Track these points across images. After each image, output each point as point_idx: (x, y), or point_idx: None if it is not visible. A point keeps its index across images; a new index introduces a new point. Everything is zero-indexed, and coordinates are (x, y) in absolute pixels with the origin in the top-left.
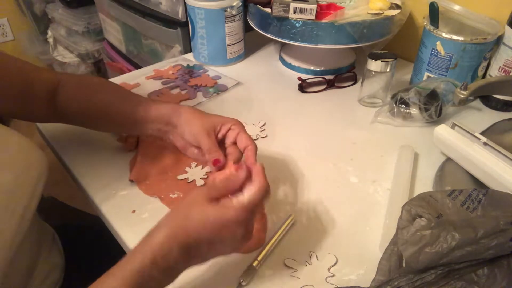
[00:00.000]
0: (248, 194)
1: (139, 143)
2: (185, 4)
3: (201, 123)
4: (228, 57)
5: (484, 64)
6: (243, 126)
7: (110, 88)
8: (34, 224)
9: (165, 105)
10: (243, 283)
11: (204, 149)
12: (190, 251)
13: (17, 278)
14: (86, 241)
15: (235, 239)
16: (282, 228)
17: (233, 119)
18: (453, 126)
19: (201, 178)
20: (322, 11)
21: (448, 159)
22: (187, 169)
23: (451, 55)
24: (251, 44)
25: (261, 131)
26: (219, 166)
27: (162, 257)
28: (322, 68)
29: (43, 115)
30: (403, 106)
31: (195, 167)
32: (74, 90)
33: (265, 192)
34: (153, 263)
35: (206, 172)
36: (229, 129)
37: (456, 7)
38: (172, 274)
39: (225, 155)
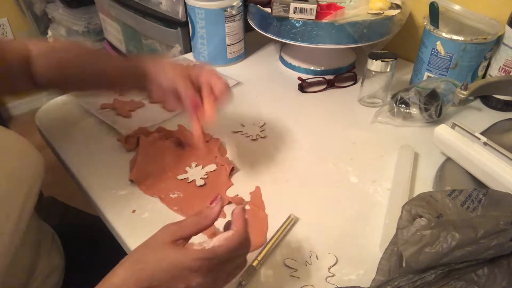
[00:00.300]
0: (215, 241)
1: (139, 143)
2: (185, 4)
3: (176, 68)
4: (228, 57)
5: (484, 64)
6: (215, 71)
7: (81, 50)
8: (33, 224)
9: (139, 57)
10: (243, 283)
11: (181, 92)
12: None
13: (17, 279)
14: (86, 241)
15: None
16: (282, 228)
17: (204, 65)
18: (453, 126)
19: (201, 178)
20: (322, 11)
21: (448, 159)
22: (187, 169)
23: (451, 55)
24: (251, 44)
25: (261, 131)
26: (197, 105)
27: None
28: (322, 68)
29: (25, 88)
30: (403, 106)
31: (195, 167)
32: (45, 59)
33: (239, 242)
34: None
35: (206, 172)
36: (202, 74)
37: (456, 7)
38: None
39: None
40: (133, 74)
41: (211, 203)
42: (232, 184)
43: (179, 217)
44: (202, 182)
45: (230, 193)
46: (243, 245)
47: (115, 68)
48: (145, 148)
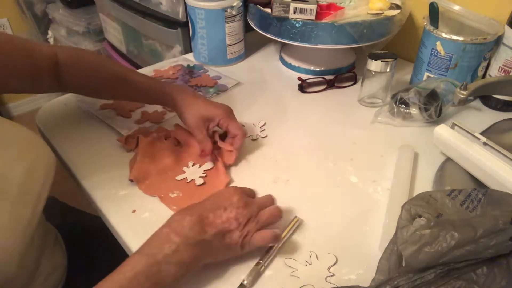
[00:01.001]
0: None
1: (138, 143)
2: (185, 4)
3: (192, 118)
4: (228, 57)
5: (484, 64)
6: (231, 115)
7: (109, 62)
8: (39, 222)
9: (166, 85)
10: (245, 283)
11: (197, 140)
12: (200, 220)
13: (22, 275)
14: (87, 241)
15: (233, 205)
16: (287, 229)
17: (221, 110)
18: (453, 126)
19: (199, 177)
20: (322, 11)
21: (448, 159)
22: (184, 168)
23: (451, 55)
24: (251, 44)
25: (261, 131)
26: (205, 155)
27: (177, 224)
28: (322, 68)
29: (51, 87)
30: (403, 106)
31: (192, 166)
32: (73, 68)
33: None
34: (170, 229)
35: (204, 171)
36: (219, 122)
37: (456, 7)
38: (191, 244)
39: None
40: (160, 99)
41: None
42: (229, 179)
43: None
44: (201, 181)
45: None
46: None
47: (140, 89)
48: (144, 148)
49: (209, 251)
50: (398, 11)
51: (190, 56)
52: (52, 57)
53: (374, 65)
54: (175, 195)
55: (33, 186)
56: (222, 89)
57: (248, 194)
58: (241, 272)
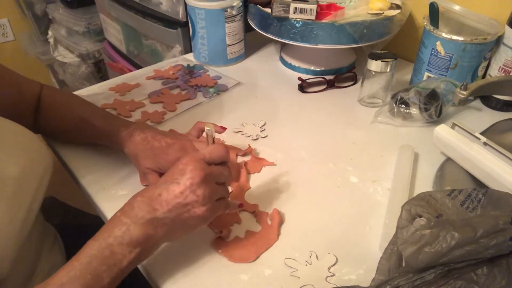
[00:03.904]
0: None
1: None
2: (185, 4)
3: (142, 167)
4: (228, 57)
5: (484, 64)
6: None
7: (81, 104)
8: (37, 222)
9: (122, 129)
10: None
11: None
12: (150, 199)
13: (21, 274)
14: (87, 241)
15: (186, 176)
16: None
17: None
18: (453, 126)
19: None
20: (322, 11)
21: (448, 159)
22: None
23: (451, 55)
24: (252, 44)
25: (261, 131)
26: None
27: (128, 207)
28: (322, 68)
29: (28, 125)
30: (403, 106)
31: None
32: (49, 107)
33: (221, 149)
34: (121, 213)
35: None
36: None
37: (456, 7)
38: (141, 223)
39: None
40: (111, 142)
41: None
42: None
43: None
44: None
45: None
46: (224, 154)
47: (109, 130)
48: None
49: (164, 229)
50: (398, 11)
51: (190, 56)
52: (37, 93)
53: (374, 65)
54: None
55: (29, 185)
56: (222, 89)
57: (209, 159)
58: (241, 271)
